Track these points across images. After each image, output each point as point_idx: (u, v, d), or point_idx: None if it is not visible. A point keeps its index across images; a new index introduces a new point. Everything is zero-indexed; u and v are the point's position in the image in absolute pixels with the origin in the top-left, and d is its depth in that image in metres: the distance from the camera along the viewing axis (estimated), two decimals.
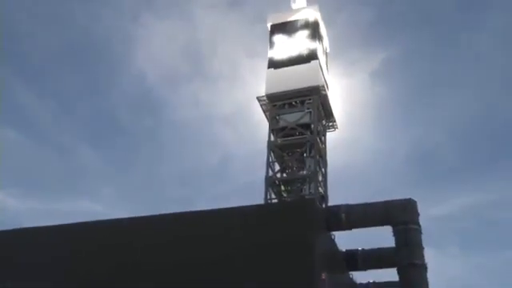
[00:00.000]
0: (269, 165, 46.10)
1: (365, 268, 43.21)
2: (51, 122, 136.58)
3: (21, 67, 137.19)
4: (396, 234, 38.66)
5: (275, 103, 48.91)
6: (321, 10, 53.94)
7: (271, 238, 29.61)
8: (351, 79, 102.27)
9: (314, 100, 47.56)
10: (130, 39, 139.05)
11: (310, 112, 47.24)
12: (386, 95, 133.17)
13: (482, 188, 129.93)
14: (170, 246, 31.97)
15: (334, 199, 45.79)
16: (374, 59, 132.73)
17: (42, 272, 34.47)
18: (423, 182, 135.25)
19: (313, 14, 52.97)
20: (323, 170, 47.83)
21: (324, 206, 44.06)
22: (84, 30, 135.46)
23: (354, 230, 40.04)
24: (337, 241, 39.58)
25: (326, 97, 49.31)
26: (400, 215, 38.40)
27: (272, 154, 47.00)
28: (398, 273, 38.61)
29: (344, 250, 42.83)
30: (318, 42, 51.35)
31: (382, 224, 39.28)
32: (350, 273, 42.07)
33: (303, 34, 51.89)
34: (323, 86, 48.83)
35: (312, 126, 46.80)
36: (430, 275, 37.73)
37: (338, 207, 39.67)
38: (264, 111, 49.93)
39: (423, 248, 38.31)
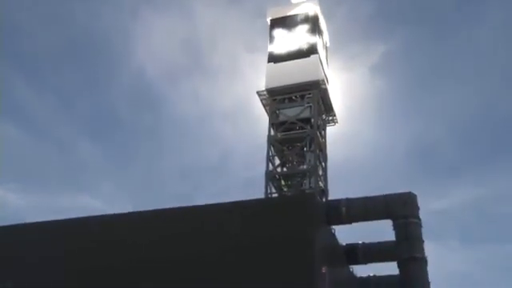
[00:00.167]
0: (269, 159, 46.13)
1: (365, 262, 43.34)
2: (51, 118, 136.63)
3: (21, 64, 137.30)
4: (396, 227, 38.74)
5: (275, 97, 48.90)
6: (320, 4, 54.02)
7: (272, 232, 29.68)
8: (351, 73, 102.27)
9: (313, 94, 47.56)
10: (129, 35, 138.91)
11: (310, 106, 47.24)
12: (385, 89, 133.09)
13: (482, 182, 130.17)
14: (171, 241, 32.05)
15: (334, 193, 45.90)
16: (374, 53, 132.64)
17: (42, 266, 34.60)
18: (423, 175, 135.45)
19: (312, 8, 52.91)
20: (323, 164, 47.86)
21: (324, 200, 44.10)
22: (83, 25, 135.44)
23: (355, 224, 40.13)
24: (337, 235, 39.68)
25: (325, 91, 49.29)
26: (400, 209, 38.45)
27: (272, 149, 47.02)
28: (399, 266, 38.72)
29: (344, 243, 42.95)
30: (317, 36, 51.30)
31: (382, 218, 39.35)
32: (351, 266, 42.14)
33: (303, 28, 51.83)
34: (323, 81, 48.80)
35: (312, 120, 46.80)
36: (430, 269, 37.91)
37: (338, 201, 39.72)
38: (264, 106, 49.92)
39: (423, 242, 38.41)
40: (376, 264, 44.13)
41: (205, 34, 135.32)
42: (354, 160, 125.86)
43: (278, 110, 48.65)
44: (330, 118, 52.22)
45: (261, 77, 51.08)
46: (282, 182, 47.10)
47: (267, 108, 49.47)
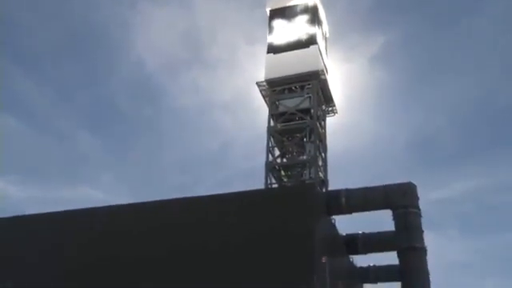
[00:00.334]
0: (269, 150, 46.18)
1: (365, 252, 43.53)
2: (51, 111, 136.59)
3: (20, 57, 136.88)
4: (396, 217, 38.82)
5: (275, 88, 48.87)
6: None
7: (272, 222, 29.80)
8: (351, 64, 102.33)
9: (313, 85, 47.53)
10: (128, 27, 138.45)
11: (310, 97, 47.22)
12: (385, 80, 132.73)
13: (481, 172, 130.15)
14: (171, 231, 32.19)
15: (334, 184, 45.99)
16: (374, 44, 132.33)
17: (42, 257, 34.78)
18: (423, 166, 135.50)
19: None
20: (323, 154, 47.93)
21: (324, 190, 44.19)
22: (82, 17, 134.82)
23: (355, 215, 40.21)
24: (337, 225, 39.79)
25: (325, 82, 49.26)
26: (400, 199, 38.51)
27: (272, 140, 47.06)
28: (398, 256, 38.83)
29: (344, 234, 43.09)
30: (317, 26, 51.18)
31: (381, 208, 39.42)
32: (351, 256, 42.30)
33: (302, 18, 51.69)
34: (323, 71, 48.76)
35: (312, 110, 46.80)
36: (430, 258, 38.02)
37: (338, 191, 39.77)
38: (264, 96, 49.90)
39: (423, 231, 38.49)
40: (376, 254, 44.35)
41: (204, 25, 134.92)
42: (353, 150, 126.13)
43: (278, 100, 48.63)
44: (330, 108, 52.22)
45: (260, 68, 51.07)
46: (282, 173, 47.18)
47: (267, 99, 49.46)
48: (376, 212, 40.33)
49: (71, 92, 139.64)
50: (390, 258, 42.77)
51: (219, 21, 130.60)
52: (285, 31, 51.58)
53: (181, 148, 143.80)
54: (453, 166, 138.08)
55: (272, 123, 47.67)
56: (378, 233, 43.06)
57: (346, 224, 42.82)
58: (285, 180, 46.84)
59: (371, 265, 47.08)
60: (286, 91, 48.84)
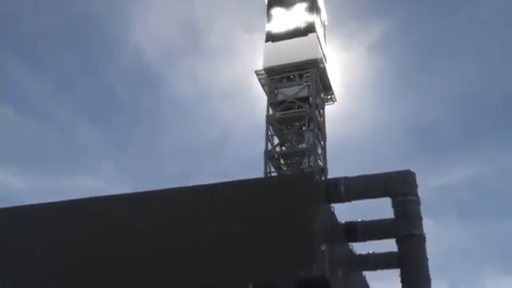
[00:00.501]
0: (268, 139, 46.25)
1: (364, 239, 43.65)
2: (50, 101, 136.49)
3: (18, 46, 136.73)
4: (395, 205, 38.94)
5: (273, 77, 48.85)
6: None
7: (271, 211, 29.88)
8: (349, 52, 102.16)
9: (312, 73, 47.49)
10: (126, 16, 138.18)
11: (309, 85, 47.21)
12: (384, 67, 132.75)
13: (480, 159, 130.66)
14: (171, 221, 32.28)
15: (333, 172, 46.12)
16: (372, 32, 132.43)
17: (43, 247, 34.90)
18: (422, 153, 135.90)
19: None
20: (322, 142, 48.01)
21: (323, 178, 44.29)
22: (81, 8, 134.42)
23: (354, 203, 40.34)
24: (336, 213, 39.91)
25: (324, 70, 49.23)
26: (399, 187, 38.62)
27: (271, 128, 47.11)
28: (397, 243, 39.00)
29: (343, 222, 43.21)
30: (315, 14, 51.04)
31: (381, 196, 39.53)
32: (350, 244, 42.45)
33: (301, 6, 51.54)
34: (321, 59, 48.70)
35: (310, 99, 46.81)
36: (429, 245, 38.18)
37: (337, 180, 39.85)
38: (262, 85, 49.88)
39: (422, 219, 38.62)
40: (375, 241, 44.53)
41: (202, 14, 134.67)
42: (352, 138, 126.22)
43: (277, 89, 48.61)
44: (329, 96, 52.21)
45: (259, 56, 51.03)
46: (282, 161, 47.28)
47: (265, 87, 49.44)
48: (375, 200, 40.51)
49: (70, 82, 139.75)
50: (389, 246, 43.06)
51: (217, 9, 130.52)
52: (283, 19, 51.47)
53: (180, 137, 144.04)
54: (452, 153, 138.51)
55: (271, 112, 47.70)
56: (378, 220, 43.18)
57: (346, 212, 43.02)
58: (284, 168, 46.93)
59: (370, 252, 47.29)
60: (285, 80, 48.82)
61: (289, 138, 48.07)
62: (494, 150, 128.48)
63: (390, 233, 40.33)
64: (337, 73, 55.72)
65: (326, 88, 51.08)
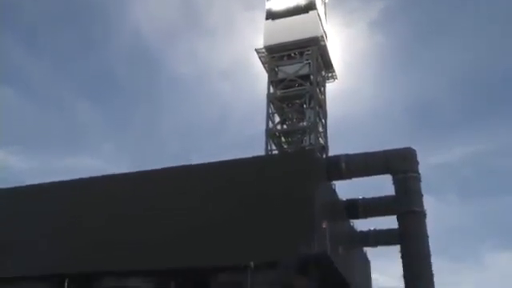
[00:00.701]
0: (269, 117, 46.25)
1: (365, 216, 43.90)
2: (49, 81, 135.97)
3: (16, 27, 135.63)
4: (395, 182, 39.16)
5: (274, 55, 48.70)
6: None
7: (272, 188, 30.00)
8: (350, 29, 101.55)
9: (312, 51, 47.34)
10: None
11: (309, 63, 47.08)
12: (385, 45, 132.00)
13: (481, 137, 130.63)
14: (171, 200, 32.45)
15: (334, 149, 46.28)
16: (373, 8, 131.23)
17: (43, 226, 35.22)
18: (423, 131, 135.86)
19: None
20: (323, 120, 48.03)
21: (324, 156, 44.39)
22: None
23: (355, 181, 40.53)
24: (337, 191, 40.11)
25: (324, 47, 49.05)
26: (399, 164, 38.78)
27: (272, 106, 47.09)
28: (398, 220, 39.32)
29: (345, 199, 43.42)
30: None
31: (381, 173, 39.70)
32: (351, 221, 42.74)
33: None
34: (322, 37, 48.49)
35: (311, 77, 46.72)
36: (429, 222, 38.52)
37: (338, 157, 39.98)
38: (263, 63, 49.77)
39: (422, 196, 38.90)
40: (376, 218, 44.84)
41: None
42: (353, 116, 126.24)
43: (277, 67, 48.52)
44: (330, 74, 52.10)
45: (259, 34, 50.85)
46: (283, 139, 47.36)
47: (266, 66, 49.33)
48: (376, 177, 40.71)
49: (70, 63, 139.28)
50: (389, 222, 43.39)
51: None
52: None
53: (180, 116, 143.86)
54: (452, 130, 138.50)
55: (272, 90, 47.64)
56: (378, 197, 43.37)
57: (347, 190, 43.23)
58: (285, 146, 47.03)
59: (371, 229, 47.64)
60: (286, 58, 48.67)
61: (290, 116, 48.06)
62: (494, 128, 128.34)
63: (391, 209, 40.62)
64: (337, 50, 55.63)
65: (327, 66, 50.95)
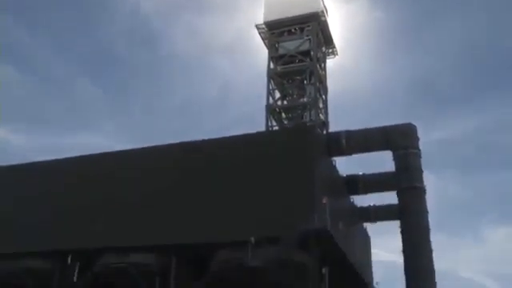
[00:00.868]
0: (269, 93, 46.15)
1: (365, 192, 44.08)
2: (48, 58, 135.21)
3: (15, 5, 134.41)
4: (396, 158, 39.26)
5: (274, 31, 48.40)
6: None
7: (272, 164, 30.06)
8: (350, 4, 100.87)
9: (313, 27, 47.02)
10: None
11: (310, 39, 46.82)
12: (385, 20, 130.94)
13: (482, 112, 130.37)
14: (172, 176, 32.56)
15: (334, 125, 46.21)
16: None
17: (45, 203, 35.42)
18: (423, 107, 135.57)
19: None
20: (323, 96, 47.93)
21: (325, 132, 44.38)
22: None
23: (356, 157, 40.61)
24: (338, 167, 40.18)
25: (325, 23, 48.70)
26: (400, 140, 38.84)
27: (272, 82, 46.95)
28: (398, 196, 39.54)
29: (345, 175, 43.51)
30: None
31: (382, 149, 39.78)
32: (351, 197, 42.91)
33: None
34: (322, 12, 48.12)
35: (311, 52, 46.49)
36: (429, 198, 38.74)
37: (338, 133, 40.02)
38: (263, 39, 49.50)
39: (422, 172, 39.00)
40: (376, 194, 45.02)
41: None
42: (354, 92, 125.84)
43: (278, 43, 48.25)
44: (330, 50, 51.85)
45: (259, 10, 50.39)
46: (283, 115, 47.31)
47: (266, 41, 49.06)
48: (376, 154, 40.79)
49: (69, 40, 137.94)
50: (389, 198, 43.58)
51: None
52: None
53: (180, 93, 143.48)
54: (453, 106, 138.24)
55: (272, 66, 47.44)
56: (378, 173, 43.51)
57: (347, 166, 43.32)
58: (285, 122, 47.00)
59: (371, 205, 47.90)
60: (286, 33, 48.37)
61: (290, 91, 47.94)
62: (495, 103, 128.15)
63: (391, 185, 40.81)
64: (338, 26, 55.23)
65: (327, 41, 50.66)
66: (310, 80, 46.08)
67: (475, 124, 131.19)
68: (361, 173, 44.38)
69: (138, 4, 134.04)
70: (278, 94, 47.57)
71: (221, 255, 29.32)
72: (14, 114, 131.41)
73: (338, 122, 48.57)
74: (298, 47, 46.68)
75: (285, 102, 48.12)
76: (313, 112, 44.43)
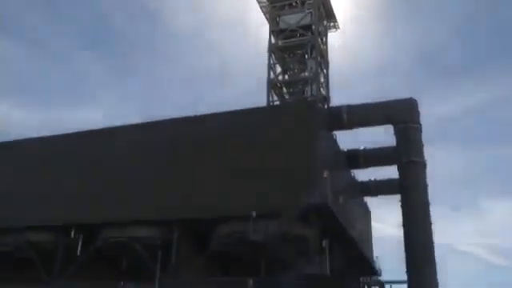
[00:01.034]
0: (270, 67, 45.99)
1: (366, 166, 44.23)
2: (47, 31, 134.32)
3: None
4: (397, 132, 39.30)
5: (275, 4, 48.06)
6: None
7: (273, 139, 30.19)
8: None
9: (314, 0, 46.63)
10: None
11: (311, 12, 46.48)
12: None
13: (484, 86, 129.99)
14: (175, 150, 32.72)
15: (336, 100, 46.19)
16: None
17: (48, 178, 35.67)
18: (425, 81, 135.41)
19: None
20: (325, 71, 47.78)
21: (326, 107, 44.34)
22: None
23: (357, 133, 40.62)
24: (339, 141, 40.24)
25: None
26: (401, 114, 38.82)
27: (273, 56, 46.75)
28: (398, 170, 39.66)
29: (345, 149, 43.59)
30: None
31: (383, 123, 39.76)
32: (352, 171, 43.08)
33: None
34: None
35: (313, 27, 46.20)
36: (430, 172, 38.82)
37: (339, 108, 39.97)
38: (264, 13, 49.16)
39: (423, 146, 39.05)
40: (377, 168, 45.19)
41: None
42: (356, 66, 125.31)
43: (278, 16, 47.92)
44: (332, 24, 51.52)
45: None
46: (284, 90, 47.23)
47: (267, 15, 48.72)
48: (378, 129, 40.80)
49: (66, 12, 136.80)
50: (390, 173, 43.76)
51: None
52: None
53: (180, 67, 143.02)
54: (455, 80, 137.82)
55: (273, 40, 47.20)
56: (379, 148, 43.61)
57: (348, 141, 43.35)
58: (287, 97, 46.95)
59: (372, 179, 48.14)
60: (287, 7, 48.02)
61: (291, 66, 47.77)
62: (497, 77, 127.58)
63: (392, 160, 40.97)
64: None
65: (329, 15, 50.31)
66: (311, 54, 45.89)
67: (477, 98, 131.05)
68: (362, 147, 44.44)
69: None
70: (278, 69, 47.41)
71: (222, 229, 29.65)
72: (13, 88, 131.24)
73: (340, 96, 48.48)
74: (299, 22, 46.37)
75: (286, 77, 47.98)
76: (314, 86, 44.32)
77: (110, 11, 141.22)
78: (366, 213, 48.68)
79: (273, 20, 47.74)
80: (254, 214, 27.06)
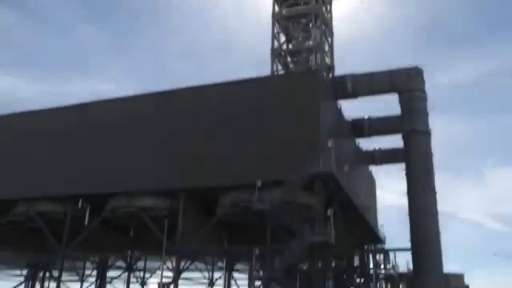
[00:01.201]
0: (274, 36, 45.58)
1: (370, 135, 44.08)
2: (51, 5, 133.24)
3: None
4: (401, 101, 39.16)
5: None
6: None
7: (278, 108, 30.30)
8: None
9: None
10: None
11: None
12: None
13: (489, 56, 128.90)
14: (178, 121, 32.89)
15: (341, 69, 45.78)
16: None
17: (57, 149, 35.97)
18: (431, 50, 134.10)
19: None
20: (329, 39, 47.29)
21: (331, 76, 44.10)
22: None
23: (362, 102, 40.49)
24: (344, 112, 40.20)
25: None
26: (406, 83, 38.64)
27: (277, 25, 46.29)
28: (403, 139, 39.63)
29: (351, 119, 43.51)
30: None
31: (387, 92, 39.59)
32: (357, 140, 43.11)
33: None
34: None
35: None
36: (435, 141, 38.77)
37: (343, 77, 39.85)
38: None
39: (428, 114, 38.93)
40: (382, 137, 45.16)
41: None
42: (360, 35, 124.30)
43: None
44: None
45: None
46: (288, 59, 46.84)
47: None
48: (383, 99, 40.67)
49: None
50: (395, 142, 43.75)
51: None
52: None
53: (184, 38, 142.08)
54: (460, 49, 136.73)
55: (277, 9, 46.73)
56: (384, 117, 43.41)
57: (354, 111, 43.22)
58: (291, 66, 46.63)
59: (376, 148, 48.12)
60: None
61: (295, 35, 47.28)
62: (501, 45, 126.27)
63: (397, 128, 40.88)
64: None
65: None
66: (315, 23, 45.40)
67: (482, 67, 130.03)
68: (366, 116, 44.32)
69: None
70: (283, 38, 47.01)
71: (228, 198, 30.01)
72: (19, 61, 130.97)
73: (345, 65, 48.13)
74: None
75: (290, 46, 47.60)
76: (318, 55, 43.94)
77: None
78: (371, 181, 48.90)
79: None
80: (259, 182, 27.32)
